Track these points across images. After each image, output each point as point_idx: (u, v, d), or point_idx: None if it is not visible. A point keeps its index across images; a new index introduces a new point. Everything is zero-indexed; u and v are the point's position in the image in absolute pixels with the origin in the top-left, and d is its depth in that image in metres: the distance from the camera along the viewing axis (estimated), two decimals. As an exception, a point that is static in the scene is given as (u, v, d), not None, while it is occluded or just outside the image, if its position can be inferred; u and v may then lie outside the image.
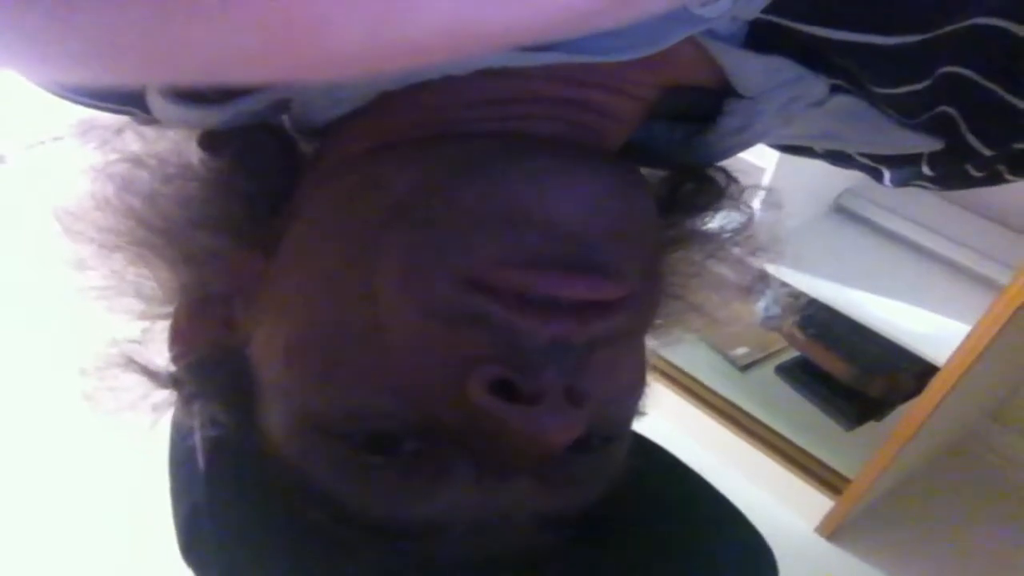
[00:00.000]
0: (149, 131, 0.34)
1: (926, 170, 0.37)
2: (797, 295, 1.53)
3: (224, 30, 0.09)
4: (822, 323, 1.55)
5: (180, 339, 0.35)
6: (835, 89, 0.33)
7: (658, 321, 0.39)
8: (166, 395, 0.34)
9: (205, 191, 0.33)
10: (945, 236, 1.40)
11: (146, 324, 0.35)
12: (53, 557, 1.34)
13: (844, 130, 0.36)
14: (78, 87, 0.32)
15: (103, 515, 1.39)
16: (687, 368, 1.64)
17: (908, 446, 1.29)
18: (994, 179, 0.37)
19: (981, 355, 1.13)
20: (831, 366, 1.57)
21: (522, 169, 0.27)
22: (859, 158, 0.39)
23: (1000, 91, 0.31)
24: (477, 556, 0.30)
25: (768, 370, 1.68)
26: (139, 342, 0.35)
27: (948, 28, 0.28)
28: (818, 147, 0.40)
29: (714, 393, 1.63)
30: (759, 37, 0.30)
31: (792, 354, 1.68)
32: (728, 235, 0.39)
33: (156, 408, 0.34)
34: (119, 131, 0.34)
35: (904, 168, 0.39)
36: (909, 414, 1.27)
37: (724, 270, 0.41)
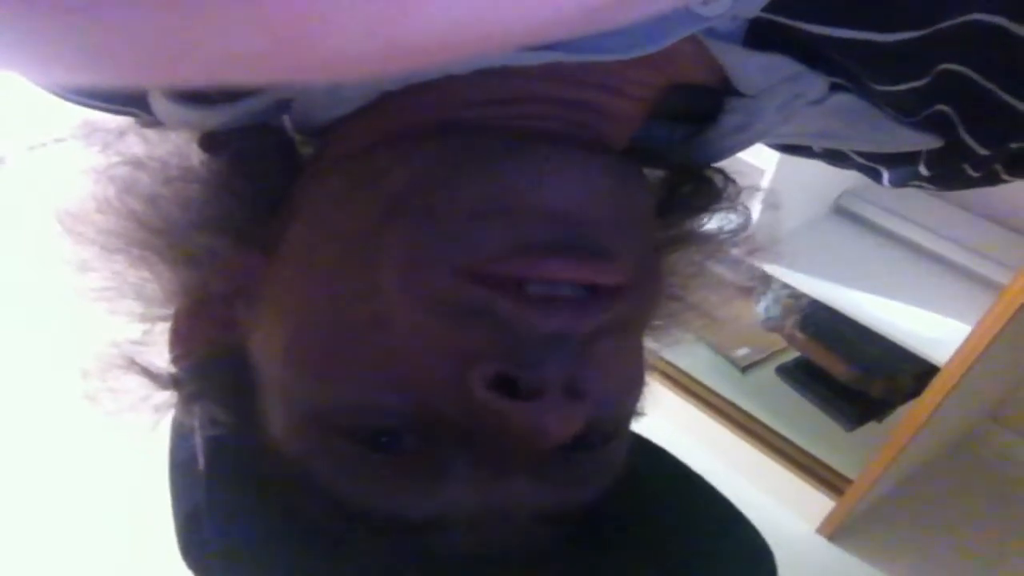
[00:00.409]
0: (151, 134, 0.34)
1: (923, 170, 0.37)
2: (797, 296, 1.54)
3: (227, 31, 0.09)
4: (823, 324, 1.54)
5: (181, 340, 0.35)
6: (834, 87, 0.33)
7: (657, 321, 0.40)
8: (167, 396, 0.34)
9: (206, 192, 0.33)
10: (945, 237, 1.40)
11: (147, 326, 0.35)
12: (53, 557, 1.34)
13: (843, 128, 0.36)
14: (80, 88, 0.32)
15: (103, 515, 1.39)
16: (688, 369, 1.64)
17: (909, 447, 1.29)
18: (991, 179, 0.37)
19: (981, 355, 1.13)
20: (832, 367, 1.57)
21: (520, 161, 0.27)
22: (857, 158, 0.40)
23: (997, 90, 0.31)
24: (478, 552, 0.30)
25: (769, 371, 1.68)
26: (140, 343, 0.35)
27: (946, 24, 0.28)
28: (817, 146, 0.40)
29: (715, 394, 1.62)
30: (758, 35, 0.30)
31: (793, 355, 1.68)
32: (726, 235, 0.40)
33: (157, 409, 0.34)
34: (121, 134, 0.34)
35: (902, 168, 0.39)
36: (910, 415, 1.27)
37: (722, 270, 0.41)
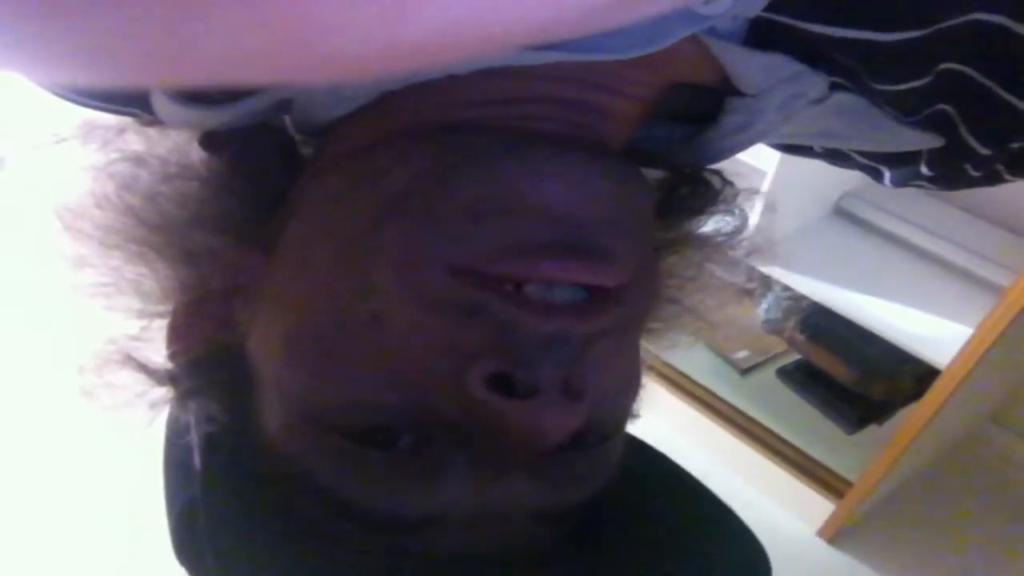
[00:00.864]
0: (151, 131, 0.34)
1: (925, 170, 0.37)
2: (798, 298, 1.54)
3: (227, 31, 0.09)
4: (823, 326, 1.54)
5: (178, 337, 0.35)
6: (835, 86, 0.33)
7: (655, 324, 0.40)
8: (163, 392, 0.34)
9: (205, 191, 0.33)
10: (946, 239, 1.40)
11: (144, 322, 0.35)
12: (53, 556, 1.34)
13: (844, 128, 0.36)
14: (81, 88, 0.32)
15: (103, 514, 1.39)
16: (688, 371, 1.64)
17: (909, 449, 1.29)
18: (993, 179, 0.37)
19: (982, 358, 1.13)
20: (832, 369, 1.57)
21: (520, 160, 0.27)
22: (858, 157, 0.40)
23: (998, 89, 0.31)
24: (475, 551, 0.30)
25: (769, 373, 1.68)
26: (137, 339, 0.35)
27: (947, 24, 0.28)
28: (817, 146, 0.40)
29: (715, 396, 1.62)
30: (759, 35, 0.30)
31: (793, 357, 1.67)
32: (724, 237, 0.40)
33: (153, 405, 0.34)
34: (121, 131, 0.34)
35: (903, 168, 0.39)
36: (910, 417, 1.27)
37: (720, 272, 0.41)
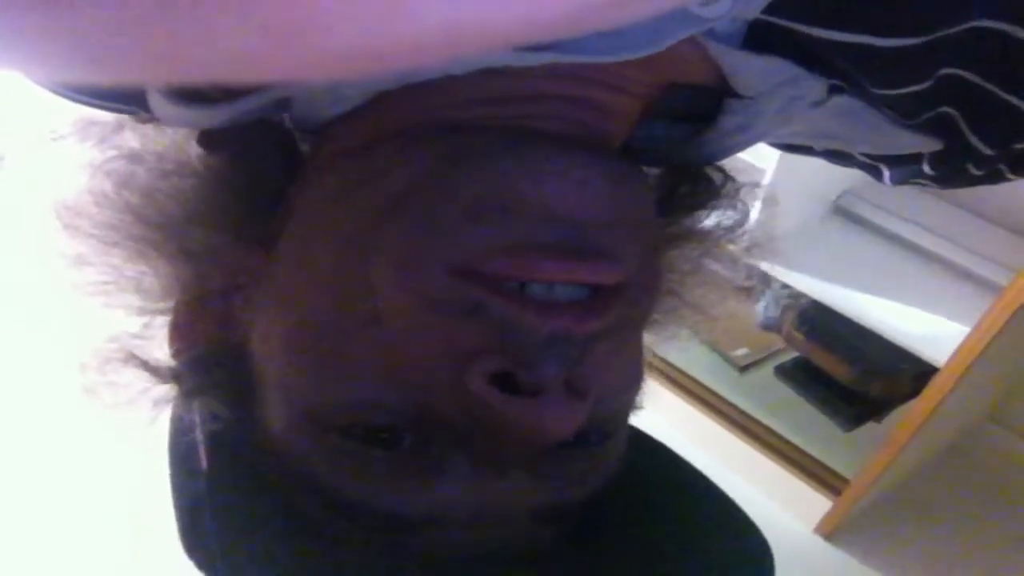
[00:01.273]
0: (148, 128, 0.34)
1: (927, 169, 0.37)
2: (796, 296, 1.54)
3: (223, 30, 0.09)
4: (821, 324, 1.54)
5: (180, 335, 0.35)
6: (834, 90, 0.33)
7: (655, 317, 0.40)
8: (166, 390, 0.34)
9: (203, 188, 0.33)
10: (944, 237, 1.40)
11: (146, 319, 0.35)
12: (53, 556, 1.34)
13: (843, 130, 0.36)
14: (79, 86, 0.32)
15: (103, 514, 1.39)
16: (686, 368, 1.64)
17: (907, 447, 1.29)
18: (995, 178, 0.37)
19: (980, 356, 1.13)
20: (830, 367, 1.57)
21: (520, 160, 0.27)
22: (859, 156, 0.40)
23: (1000, 92, 0.31)
24: (476, 550, 0.30)
25: (767, 371, 1.68)
26: (139, 337, 0.35)
27: (948, 31, 0.28)
28: (818, 146, 0.40)
29: (713, 394, 1.62)
30: (758, 37, 0.30)
31: (791, 355, 1.67)
32: (723, 232, 0.40)
33: (156, 403, 0.34)
34: (118, 128, 0.34)
35: (904, 167, 0.39)
36: (908, 415, 1.27)
37: (719, 267, 0.41)
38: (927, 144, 0.35)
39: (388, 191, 0.28)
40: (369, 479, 0.29)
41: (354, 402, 0.28)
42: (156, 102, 0.31)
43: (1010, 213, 1.45)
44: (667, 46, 0.28)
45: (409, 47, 0.10)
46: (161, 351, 0.35)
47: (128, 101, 0.33)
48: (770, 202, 0.45)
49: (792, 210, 1.39)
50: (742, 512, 0.35)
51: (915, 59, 0.29)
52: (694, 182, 0.38)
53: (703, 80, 0.32)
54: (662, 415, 1.62)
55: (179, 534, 0.32)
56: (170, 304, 0.35)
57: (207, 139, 0.33)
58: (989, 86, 0.31)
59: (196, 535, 0.31)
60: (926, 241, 1.41)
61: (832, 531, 1.52)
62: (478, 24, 0.10)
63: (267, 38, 0.09)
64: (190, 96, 0.30)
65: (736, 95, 0.32)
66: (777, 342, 1.69)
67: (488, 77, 0.29)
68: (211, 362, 0.33)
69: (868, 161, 0.40)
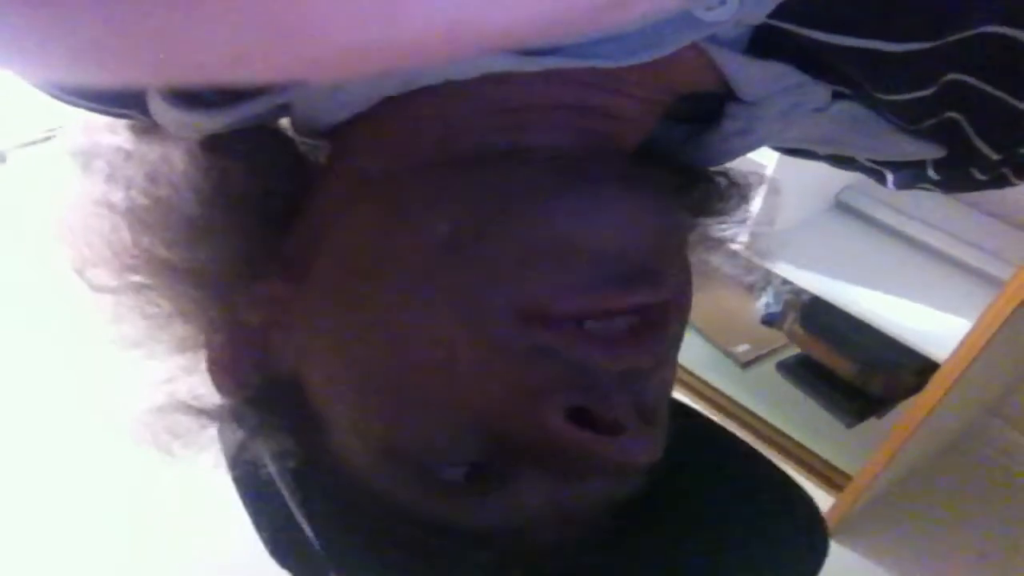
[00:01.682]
0: (151, 151, 0.33)
1: (931, 174, 0.37)
2: (798, 292, 1.54)
3: (219, 28, 0.09)
4: (823, 320, 1.54)
5: (225, 372, 0.35)
6: (837, 96, 0.33)
7: None
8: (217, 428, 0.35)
9: (212, 198, 0.33)
10: (946, 232, 1.40)
11: (184, 360, 0.35)
12: (53, 556, 1.35)
13: (846, 136, 0.36)
14: (75, 89, 0.32)
15: (103, 515, 1.39)
16: (688, 365, 1.64)
17: (909, 443, 1.29)
18: (999, 182, 0.37)
19: (982, 352, 1.13)
20: (832, 363, 1.57)
21: (567, 202, 0.28)
22: (863, 160, 0.39)
23: (1007, 97, 0.31)
24: (551, 548, 0.31)
25: (769, 367, 1.68)
26: (176, 380, 0.35)
27: (957, 36, 0.28)
28: (820, 151, 0.40)
29: (715, 390, 1.63)
30: (762, 42, 0.30)
31: (793, 351, 1.67)
32: (726, 230, 0.40)
33: (212, 441, 0.35)
34: (127, 157, 0.34)
35: (908, 171, 0.39)
36: (910, 411, 1.27)
37: (722, 265, 0.41)
38: (930, 151, 0.35)
39: (432, 242, 0.29)
40: (456, 502, 0.30)
41: (433, 445, 0.30)
42: (156, 105, 0.31)
43: (1011, 208, 1.45)
44: (670, 51, 0.28)
45: (408, 47, 0.10)
46: (205, 388, 0.35)
47: (128, 104, 0.32)
48: (773, 194, 0.45)
49: (794, 206, 1.39)
50: (799, 489, 0.36)
51: (921, 64, 0.29)
52: (701, 185, 0.38)
53: (705, 84, 0.32)
54: (664, 412, 1.62)
55: (273, 551, 0.34)
56: (209, 340, 0.35)
57: (210, 144, 0.33)
58: (996, 92, 0.30)
59: (288, 546, 0.34)
60: (928, 236, 1.40)
61: (834, 527, 1.52)
62: (479, 24, 0.10)
63: (264, 37, 0.09)
64: (190, 100, 0.30)
65: (738, 99, 0.32)
66: (779, 338, 1.69)
67: (492, 85, 0.29)
68: (271, 399, 0.34)
69: (872, 165, 0.39)
